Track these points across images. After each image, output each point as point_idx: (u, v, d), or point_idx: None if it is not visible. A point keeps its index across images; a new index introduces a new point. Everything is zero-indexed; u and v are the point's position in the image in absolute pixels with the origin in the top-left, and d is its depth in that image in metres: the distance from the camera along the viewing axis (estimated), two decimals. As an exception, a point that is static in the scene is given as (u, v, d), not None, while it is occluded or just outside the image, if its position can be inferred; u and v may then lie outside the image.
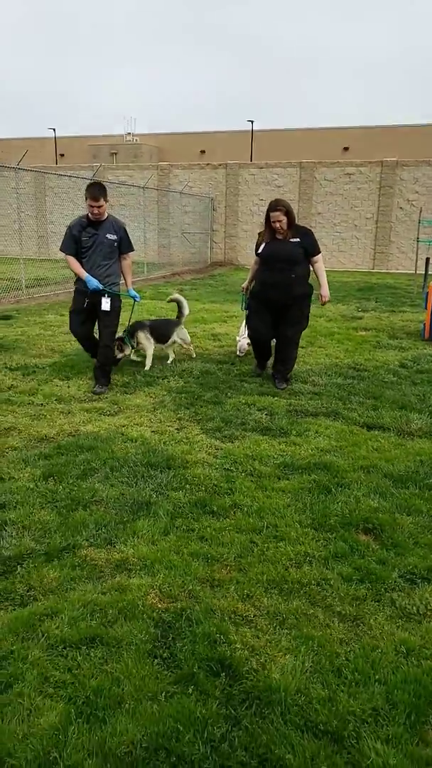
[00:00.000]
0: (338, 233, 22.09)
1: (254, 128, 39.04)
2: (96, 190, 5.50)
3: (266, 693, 2.07)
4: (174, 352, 7.04)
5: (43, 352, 7.25)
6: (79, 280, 5.72)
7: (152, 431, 4.61)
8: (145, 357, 6.65)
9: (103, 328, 5.82)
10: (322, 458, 4.16)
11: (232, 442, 4.47)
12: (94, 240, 5.65)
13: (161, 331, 6.66)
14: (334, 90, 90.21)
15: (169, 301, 6.88)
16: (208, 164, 24.58)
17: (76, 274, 5.71)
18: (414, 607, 2.60)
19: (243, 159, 34.15)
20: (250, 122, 38.92)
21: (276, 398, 5.56)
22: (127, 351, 6.44)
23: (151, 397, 5.54)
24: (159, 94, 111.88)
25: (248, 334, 6.61)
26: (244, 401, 5.45)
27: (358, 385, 6.03)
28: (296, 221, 5.85)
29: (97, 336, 6.03)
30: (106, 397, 5.48)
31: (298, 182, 22.41)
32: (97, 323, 5.94)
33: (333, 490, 3.69)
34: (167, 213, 24.05)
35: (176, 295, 6.99)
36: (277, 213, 5.68)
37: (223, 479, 3.78)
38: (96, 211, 5.55)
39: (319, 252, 5.91)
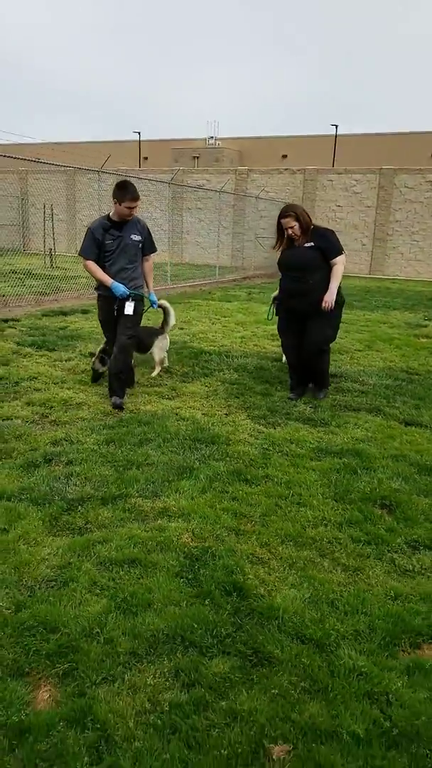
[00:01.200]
0: (416, 242, 21.96)
1: (338, 132, 39.03)
2: (136, 190, 5.09)
3: (268, 611, 2.54)
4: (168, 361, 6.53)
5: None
6: (101, 286, 5.25)
7: (203, 414, 5.15)
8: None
9: (122, 331, 5.30)
10: (356, 446, 4.55)
11: (274, 428, 4.93)
12: (119, 242, 5.18)
13: (140, 339, 5.87)
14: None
15: (157, 307, 6.06)
16: (286, 169, 24.98)
17: (98, 280, 5.23)
18: (411, 566, 2.99)
19: (325, 163, 34.32)
20: (334, 126, 38.90)
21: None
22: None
23: (206, 386, 6.08)
24: (243, 97, 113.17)
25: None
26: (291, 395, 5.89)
27: (405, 387, 6.34)
28: (312, 223, 5.45)
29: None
30: (166, 384, 6.07)
31: (376, 189, 22.41)
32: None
33: (359, 471, 4.08)
34: (242, 217, 24.64)
35: (163, 302, 6.32)
36: (288, 219, 5.34)
37: (260, 456, 4.26)
38: (131, 212, 5.13)
39: (338, 254, 5.41)
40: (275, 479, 3.88)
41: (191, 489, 3.64)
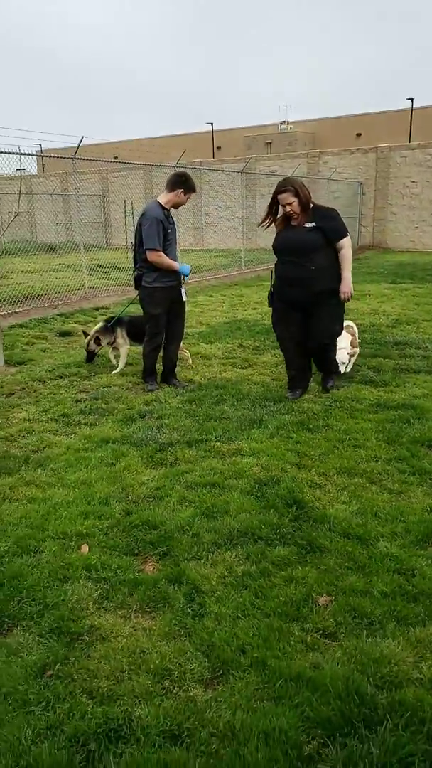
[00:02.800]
0: None
1: (414, 106, 38.01)
2: (194, 182, 5.29)
3: (321, 517, 3.17)
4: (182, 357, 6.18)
5: (193, 324, 8.73)
6: (158, 278, 5.25)
7: (272, 379, 5.79)
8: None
9: (179, 319, 5.57)
10: (412, 402, 5.03)
11: (338, 389, 5.49)
12: (172, 229, 5.34)
13: (140, 329, 5.72)
14: None
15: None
16: (358, 149, 24.87)
17: (168, 268, 5.23)
18: (449, 491, 3.52)
19: (402, 140, 33.60)
20: (409, 100, 37.90)
21: (386, 359, 6.44)
22: (104, 344, 6.21)
23: (276, 357, 6.69)
24: (316, 77, 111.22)
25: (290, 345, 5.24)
26: (356, 362, 6.41)
27: (468, 352, 6.68)
28: (312, 201, 4.82)
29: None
30: (239, 356, 6.75)
31: (453, 162, 21.96)
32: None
33: (412, 421, 4.58)
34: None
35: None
36: (285, 194, 4.67)
37: (322, 410, 4.85)
38: (186, 202, 5.33)
39: (343, 236, 4.78)
40: (334, 428, 4.47)
41: (261, 435, 4.30)
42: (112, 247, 27.29)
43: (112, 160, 18.24)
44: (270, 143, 41.39)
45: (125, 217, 22.30)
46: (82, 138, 11.37)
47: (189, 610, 2.48)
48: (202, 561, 2.83)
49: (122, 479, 3.64)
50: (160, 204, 5.24)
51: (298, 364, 5.22)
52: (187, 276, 5.39)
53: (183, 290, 5.48)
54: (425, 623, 2.38)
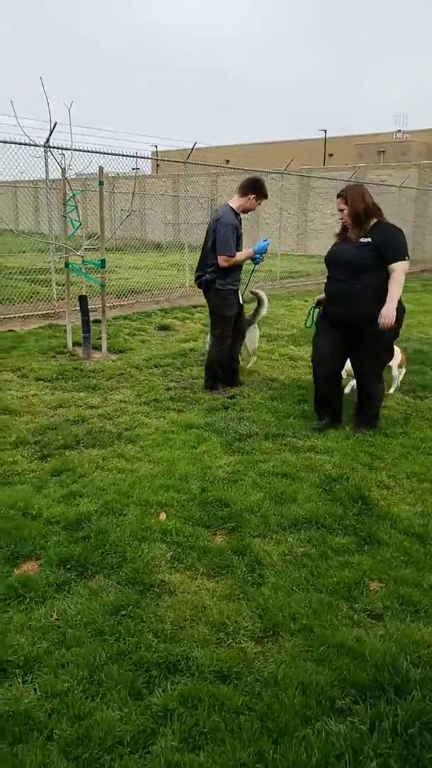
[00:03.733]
0: None
1: None
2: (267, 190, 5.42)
3: (384, 514, 3.33)
4: (241, 357, 6.16)
5: (284, 326, 8.97)
6: (231, 281, 5.37)
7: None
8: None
9: (241, 317, 5.74)
10: None
11: (422, 400, 5.54)
12: (241, 234, 5.45)
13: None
14: None
15: (252, 294, 6.17)
16: (474, 160, 24.00)
17: (244, 260, 5.40)
18: None
19: None
20: None
21: None
22: None
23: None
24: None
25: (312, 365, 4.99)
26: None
27: None
28: (374, 215, 4.39)
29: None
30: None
31: None
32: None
33: None
34: (424, 211, 24.23)
35: (258, 291, 6.42)
36: (339, 200, 4.45)
37: (402, 418, 4.95)
38: (256, 208, 5.47)
39: (400, 259, 4.30)
40: (411, 435, 4.57)
41: (337, 436, 4.48)
42: (216, 248, 27.87)
43: (223, 164, 18.80)
44: (383, 152, 40.61)
45: (230, 220, 22.74)
46: (195, 144, 11.90)
47: (249, 579, 2.75)
48: (267, 539, 3.09)
49: (202, 461, 3.96)
50: (233, 209, 5.35)
51: (325, 394, 4.72)
52: (263, 253, 5.41)
53: (241, 296, 5.60)
54: (470, 618, 2.50)
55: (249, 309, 6.41)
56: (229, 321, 5.51)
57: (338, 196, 4.48)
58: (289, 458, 4.06)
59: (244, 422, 4.71)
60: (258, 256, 5.43)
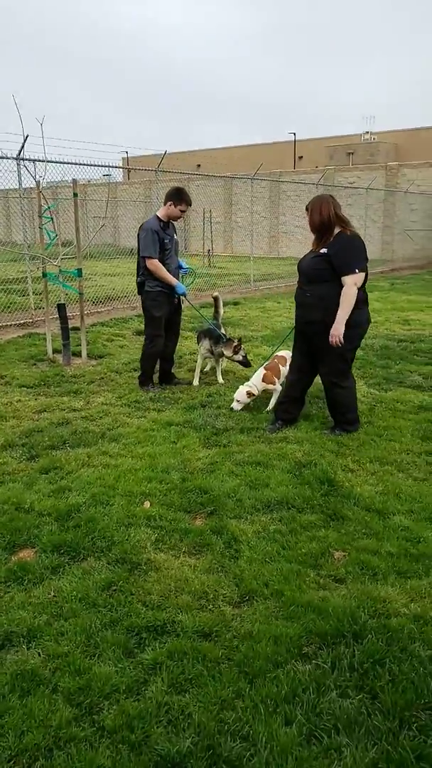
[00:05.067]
0: None
1: None
2: (189, 197, 5.69)
3: (348, 494, 3.67)
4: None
5: (258, 328, 9.32)
6: (161, 283, 5.66)
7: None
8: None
9: (177, 317, 6.04)
10: (455, 405, 5.39)
11: (386, 392, 5.91)
12: (171, 241, 5.70)
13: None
14: None
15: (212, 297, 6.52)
16: (438, 161, 24.70)
17: (163, 280, 5.63)
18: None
19: None
20: None
21: (438, 367, 6.77)
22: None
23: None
24: (402, 88, 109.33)
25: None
26: (408, 369, 6.77)
27: None
28: (335, 225, 4.39)
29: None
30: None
31: None
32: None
33: (450, 422, 4.96)
34: (392, 212, 24.83)
35: (215, 294, 6.66)
36: (306, 212, 4.55)
37: (367, 409, 5.30)
38: (182, 216, 5.72)
39: (348, 272, 4.29)
40: (375, 424, 4.92)
41: (307, 427, 4.82)
42: (190, 252, 28.22)
43: (194, 171, 19.16)
44: (352, 153, 41.27)
45: (203, 224, 23.12)
46: (165, 152, 12.20)
47: (227, 554, 3.06)
48: (242, 520, 3.40)
49: (182, 454, 4.26)
50: (158, 217, 5.69)
51: (290, 394, 4.93)
52: (179, 295, 5.81)
53: (183, 299, 5.91)
54: (421, 577, 2.84)
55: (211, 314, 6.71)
56: (158, 320, 5.81)
57: (306, 208, 4.56)
58: (263, 448, 4.38)
59: (220, 418, 5.02)
60: (183, 290, 5.79)
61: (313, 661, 2.29)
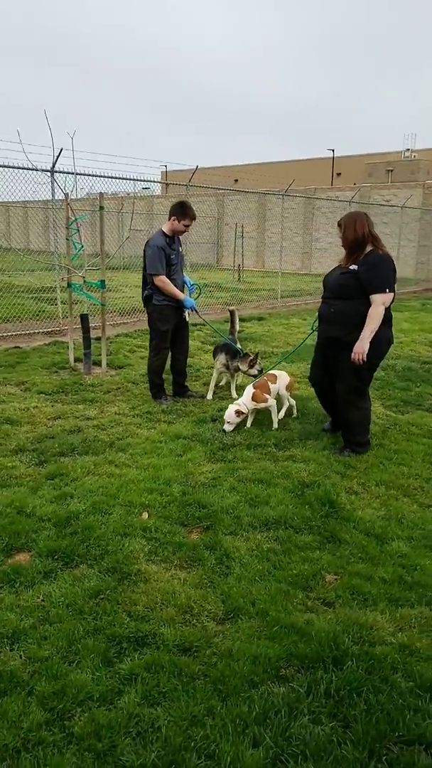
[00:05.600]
0: None
1: None
2: (194, 212, 5.74)
3: (349, 517, 3.63)
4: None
5: (279, 344, 9.31)
6: (167, 298, 5.73)
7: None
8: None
9: (184, 331, 6.12)
10: (470, 432, 5.30)
11: (402, 414, 5.84)
12: (176, 256, 5.78)
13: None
14: None
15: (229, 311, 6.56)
16: None
17: (171, 295, 5.71)
18: None
19: None
20: None
21: (458, 391, 6.66)
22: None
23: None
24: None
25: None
26: (429, 392, 6.69)
27: None
28: (368, 243, 4.41)
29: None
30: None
31: None
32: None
33: (463, 448, 4.88)
34: (428, 231, 24.58)
35: (232, 307, 6.75)
36: (339, 228, 4.54)
37: (380, 431, 5.25)
38: (187, 230, 5.79)
39: (378, 291, 4.30)
40: (386, 447, 4.87)
41: (315, 446, 4.79)
42: (222, 267, 28.40)
43: (231, 183, 19.36)
44: (392, 170, 41.09)
45: (235, 239, 23.26)
46: (197, 167, 12.36)
47: (217, 569, 3.06)
48: (237, 536, 3.40)
49: (185, 468, 4.28)
50: (163, 232, 5.74)
51: (324, 406, 5.18)
52: (188, 308, 5.85)
53: (190, 313, 6.00)
54: (413, 606, 2.79)
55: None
56: (164, 334, 5.89)
57: (338, 224, 4.55)
58: (268, 466, 4.38)
59: (229, 434, 5.03)
60: (192, 305, 5.85)
61: (289, 684, 2.28)
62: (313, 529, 3.50)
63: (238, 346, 6.26)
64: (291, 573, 3.03)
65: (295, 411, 5.64)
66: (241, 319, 11.98)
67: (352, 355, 4.37)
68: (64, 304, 10.57)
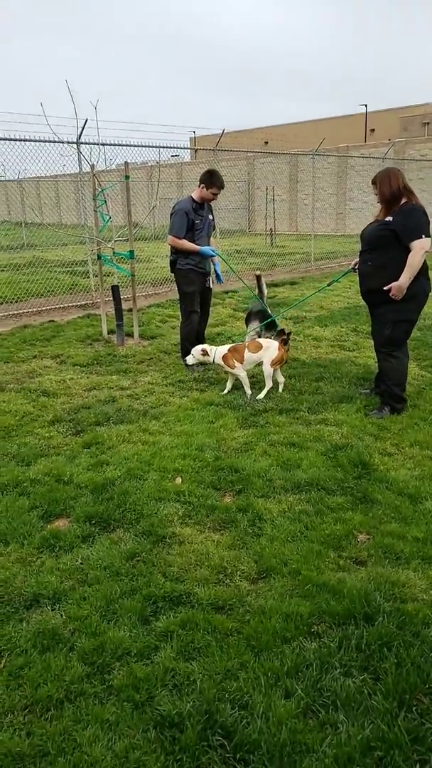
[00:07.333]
0: None
1: None
2: (222, 181, 5.83)
3: (382, 478, 3.62)
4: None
5: (313, 308, 9.20)
6: (191, 262, 5.84)
7: (374, 360, 6.14)
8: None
9: (206, 303, 6.18)
10: None
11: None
12: (203, 222, 5.85)
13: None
14: None
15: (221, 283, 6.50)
16: None
17: (189, 251, 5.78)
18: None
19: None
20: None
21: None
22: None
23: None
24: None
25: None
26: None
27: None
28: (403, 196, 4.46)
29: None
30: (350, 339, 7.14)
31: None
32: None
33: None
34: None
35: (257, 271, 6.71)
36: (373, 185, 4.63)
37: (415, 391, 5.18)
38: (215, 198, 5.86)
39: (415, 237, 4.35)
40: (421, 407, 4.81)
41: (348, 409, 4.77)
42: (254, 232, 28.02)
43: (261, 146, 18.95)
44: (428, 123, 39.45)
45: (266, 203, 22.88)
46: (224, 131, 12.12)
47: (250, 531, 3.11)
48: (270, 499, 3.44)
49: (218, 434, 4.33)
50: (192, 198, 5.86)
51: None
52: (208, 256, 5.84)
53: (209, 279, 6.06)
54: (445, 564, 2.80)
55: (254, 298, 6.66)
56: (191, 296, 5.97)
57: (372, 182, 4.64)
58: (300, 430, 4.38)
59: (259, 402, 5.04)
60: (211, 252, 5.85)
61: (321, 640, 2.32)
62: (345, 490, 3.51)
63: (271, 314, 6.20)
64: (323, 533, 3.06)
65: (281, 388, 5.32)
66: (274, 285, 11.88)
67: (391, 292, 4.43)
68: (96, 276, 10.67)
